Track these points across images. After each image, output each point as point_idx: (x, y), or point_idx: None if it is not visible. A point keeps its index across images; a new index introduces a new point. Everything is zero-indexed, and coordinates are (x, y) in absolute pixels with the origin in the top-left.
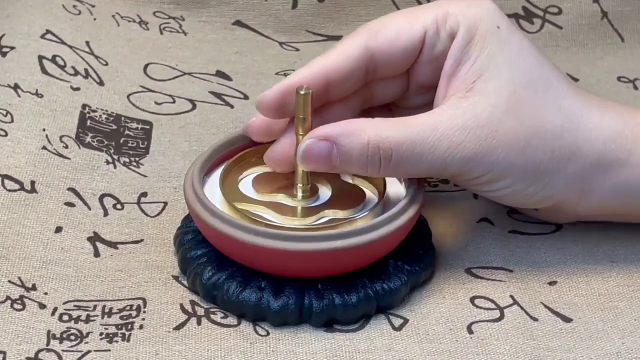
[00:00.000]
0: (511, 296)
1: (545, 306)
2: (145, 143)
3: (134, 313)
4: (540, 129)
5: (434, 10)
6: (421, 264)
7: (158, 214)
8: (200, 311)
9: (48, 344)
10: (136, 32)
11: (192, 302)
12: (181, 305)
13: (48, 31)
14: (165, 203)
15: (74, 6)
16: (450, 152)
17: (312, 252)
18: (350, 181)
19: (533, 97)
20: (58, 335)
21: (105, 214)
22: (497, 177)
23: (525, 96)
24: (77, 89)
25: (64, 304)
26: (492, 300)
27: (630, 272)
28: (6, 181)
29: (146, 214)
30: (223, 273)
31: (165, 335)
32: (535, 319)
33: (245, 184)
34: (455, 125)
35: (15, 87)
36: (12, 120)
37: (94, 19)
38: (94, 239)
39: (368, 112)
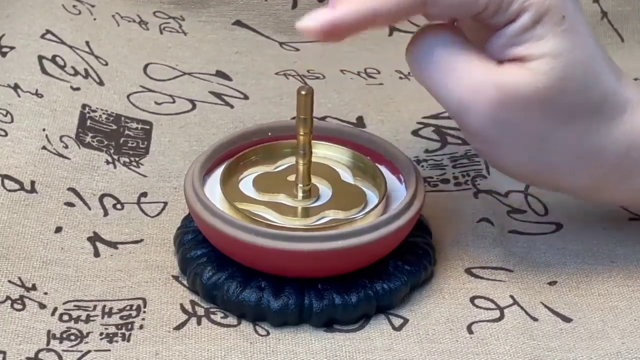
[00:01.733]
0: (511, 296)
1: (545, 306)
2: (145, 143)
3: (134, 313)
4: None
5: None
6: (421, 264)
7: (158, 214)
8: (200, 311)
9: (48, 344)
10: (136, 32)
11: (192, 302)
12: (181, 305)
13: (48, 31)
14: (165, 203)
15: (74, 6)
16: None
17: (312, 252)
18: (351, 181)
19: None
20: (58, 335)
21: (105, 214)
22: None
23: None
24: (77, 89)
25: (64, 304)
26: (492, 300)
27: (630, 272)
28: (6, 181)
29: (146, 214)
30: (223, 273)
31: (165, 335)
32: (535, 319)
33: (246, 184)
34: None
35: (15, 87)
36: (12, 120)
37: (94, 19)
38: (94, 239)
39: None
